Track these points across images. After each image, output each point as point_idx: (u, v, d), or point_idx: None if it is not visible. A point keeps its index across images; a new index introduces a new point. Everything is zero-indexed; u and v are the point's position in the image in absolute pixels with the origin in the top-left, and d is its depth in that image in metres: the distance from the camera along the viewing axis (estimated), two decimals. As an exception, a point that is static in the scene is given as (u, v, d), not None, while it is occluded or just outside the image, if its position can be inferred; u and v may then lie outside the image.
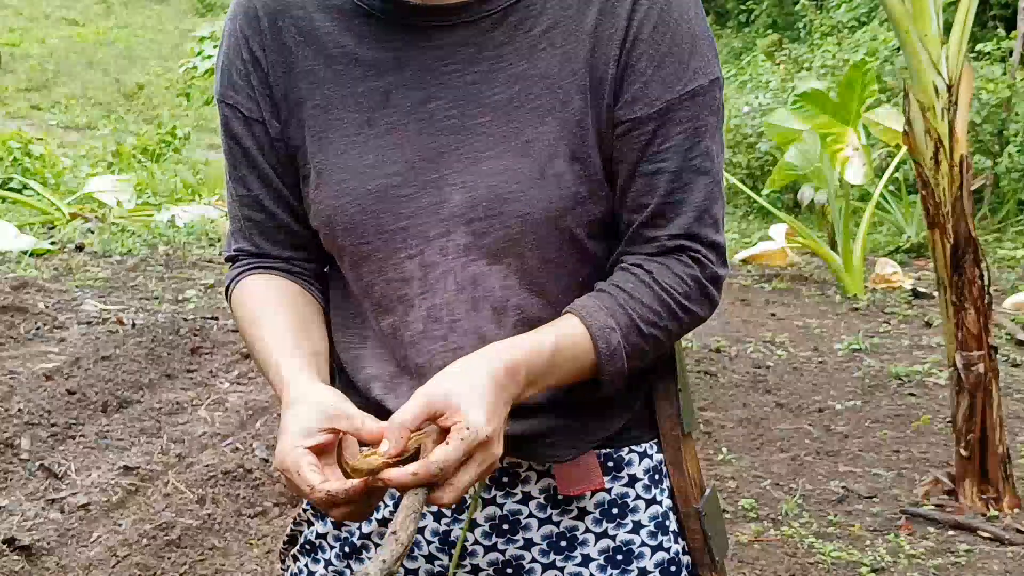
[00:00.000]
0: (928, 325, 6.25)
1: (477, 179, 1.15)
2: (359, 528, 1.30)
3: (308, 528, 1.36)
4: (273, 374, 1.17)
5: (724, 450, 4.21)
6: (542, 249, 1.16)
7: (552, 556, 1.25)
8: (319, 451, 1.06)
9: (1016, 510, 3.54)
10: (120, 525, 3.24)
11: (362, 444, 1.08)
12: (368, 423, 1.06)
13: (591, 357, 1.14)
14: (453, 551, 1.25)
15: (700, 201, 1.17)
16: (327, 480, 1.03)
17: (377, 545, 1.29)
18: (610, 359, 1.15)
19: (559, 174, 1.14)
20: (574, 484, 1.21)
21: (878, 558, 3.28)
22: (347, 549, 1.31)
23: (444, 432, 1.03)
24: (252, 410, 4.28)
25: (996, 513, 3.52)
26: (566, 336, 1.13)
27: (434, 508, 1.24)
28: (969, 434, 3.52)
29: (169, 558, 3.12)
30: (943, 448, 4.17)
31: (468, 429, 1.01)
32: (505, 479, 1.24)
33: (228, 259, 1.32)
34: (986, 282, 3.46)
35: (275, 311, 1.24)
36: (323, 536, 1.33)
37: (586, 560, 1.25)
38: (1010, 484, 3.56)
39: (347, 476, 1.05)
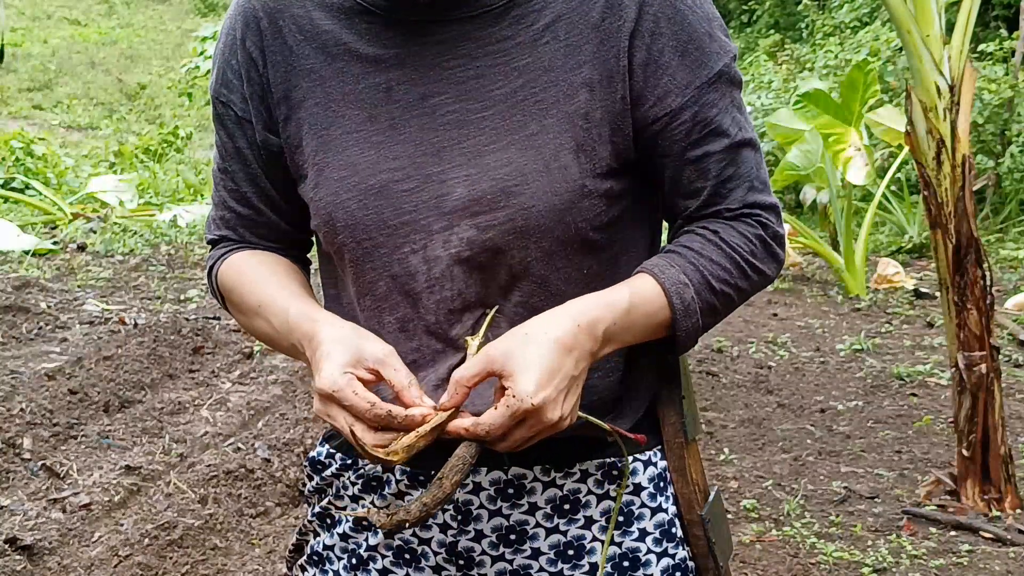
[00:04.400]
0: (930, 325, 6.24)
1: (481, 173, 1.15)
2: (366, 540, 1.30)
3: (314, 539, 1.36)
4: (293, 314, 1.17)
5: (726, 450, 4.21)
6: (547, 241, 1.16)
7: (560, 565, 1.25)
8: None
9: (1018, 511, 3.54)
10: (122, 525, 3.23)
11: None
12: (414, 387, 1.09)
13: (666, 313, 1.15)
14: (461, 561, 1.25)
15: (749, 172, 1.20)
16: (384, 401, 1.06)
17: (384, 556, 1.29)
18: (685, 314, 1.16)
19: (564, 167, 1.14)
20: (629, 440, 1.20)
21: (880, 558, 3.27)
22: (354, 560, 1.31)
23: (502, 392, 1.06)
24: (254, 410, 4.28)
25: (998, 514, 3.51)
26: (640, 293, 1.14)
27: (440, 520, 1.25)
28: (971, 434, 3.51)
29: (171, 558, 3.12)
30: (945, 448, 4.16)
31: (514, 398, 1.04)
32: (511, 490, 1.24)
33: (210, 242, 1.34)
34: (988, 282, 3.45)
35: (274, 270, 1.26)
36: (330, 547, 1.33)
37: (594, 569, 1.25)
38: (1012, 484, 3.56)
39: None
